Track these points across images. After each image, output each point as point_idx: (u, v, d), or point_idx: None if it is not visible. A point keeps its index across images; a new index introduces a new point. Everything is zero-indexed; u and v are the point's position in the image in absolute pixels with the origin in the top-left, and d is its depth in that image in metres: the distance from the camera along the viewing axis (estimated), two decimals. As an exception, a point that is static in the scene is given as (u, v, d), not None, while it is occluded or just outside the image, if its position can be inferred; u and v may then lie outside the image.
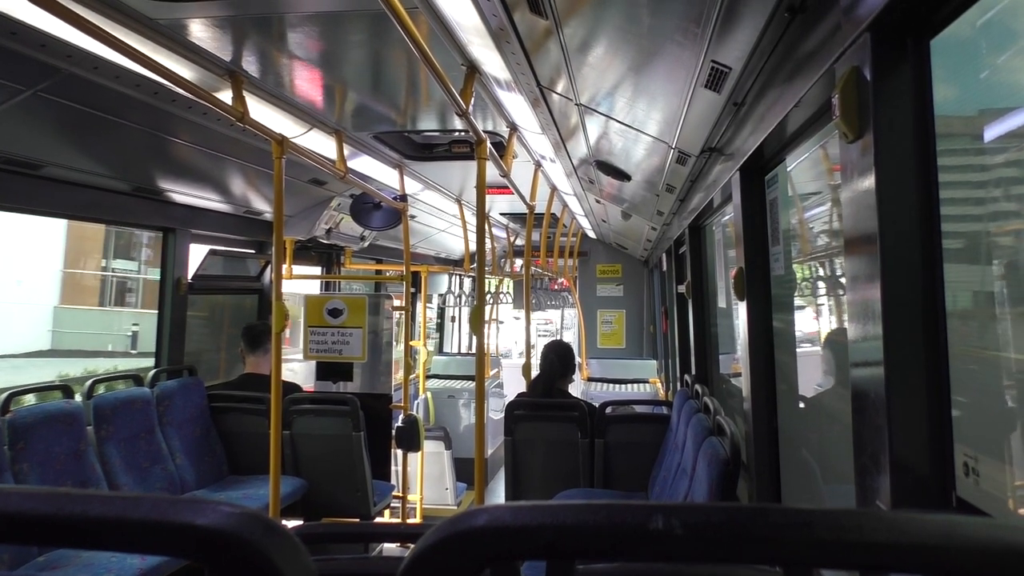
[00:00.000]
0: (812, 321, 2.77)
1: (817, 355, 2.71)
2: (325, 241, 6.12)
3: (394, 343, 5.79)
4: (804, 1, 1.68)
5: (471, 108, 2.83)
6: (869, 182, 1.39)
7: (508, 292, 13.13)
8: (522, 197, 4.62)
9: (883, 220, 1.37)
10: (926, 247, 1.38)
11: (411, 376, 6.87)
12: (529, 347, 5.85)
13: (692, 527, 0.55)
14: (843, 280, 2.35)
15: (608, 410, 4.84)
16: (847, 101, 1.42)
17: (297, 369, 8.22)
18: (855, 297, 1.52)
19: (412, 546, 0.59)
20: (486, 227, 4.84)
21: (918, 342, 1.38)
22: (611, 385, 8.79)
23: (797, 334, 2.81)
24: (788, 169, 2.66)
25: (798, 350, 2.79)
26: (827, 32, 1.63)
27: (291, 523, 3.51)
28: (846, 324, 2.23)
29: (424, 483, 6.58)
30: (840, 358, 2.39)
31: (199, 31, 2.62)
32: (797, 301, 2.81)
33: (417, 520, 6.33)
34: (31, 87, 2.80)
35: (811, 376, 2.69)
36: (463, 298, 11.75)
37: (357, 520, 5.02)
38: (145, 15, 2.41)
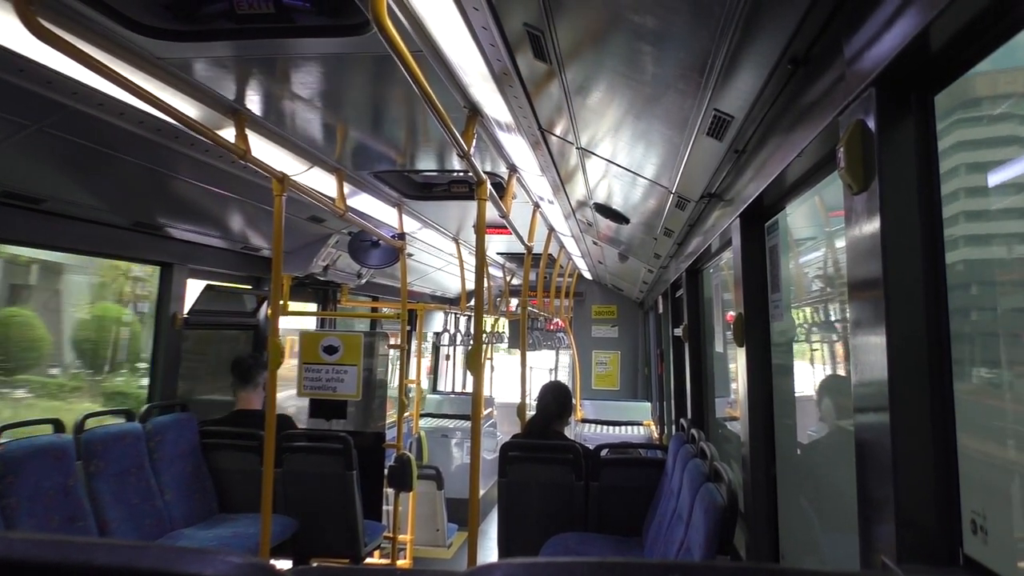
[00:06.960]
0: (812, 368, 2.76)
1: (814, 401, 2.70)
2: (322, 278, 6.11)
3: (388, 381, 5.75)
4: (807, 54, 1.71)
5: (472, 149, 2.85)
6: (874, 232, 1.40)
7: (504, 332, 13.10)
8: (520, 238, 4.62)
9: (888, 270, 1.38)
10: (930, 296, 1.38)
11: (405, 415, 6.82)
12: (525, 388, 5.81)
13: None
14: (838, 324, 2.35)
15: (603, 453, 4.78)
16: (852, 153, 1.43)
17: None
18: (859, 345, 1.52)
19: None
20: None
21: (924, 392, 1.37)
22: (605, 427, 8.73)
23: (796, 382, 2.79)
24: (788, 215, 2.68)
25: (798, 395, 2.77)
26: (829, 85, 1.65)
27: (280, 563, 3.44)
28: (845, 371, 2.22)
29: (415, 523, 6.48)
30: (839, 405, 2.37)
31: (204, 70, 2.64)
32: (796, 347, 2.80)
33: (407, 562, 6.22)
34: (36, 122, 2.81)
35: (811, 423, 2.67)
36: (458, 337, 11.71)
37: (347, 561, 4.93)
38: (152, 53, 2.44)
